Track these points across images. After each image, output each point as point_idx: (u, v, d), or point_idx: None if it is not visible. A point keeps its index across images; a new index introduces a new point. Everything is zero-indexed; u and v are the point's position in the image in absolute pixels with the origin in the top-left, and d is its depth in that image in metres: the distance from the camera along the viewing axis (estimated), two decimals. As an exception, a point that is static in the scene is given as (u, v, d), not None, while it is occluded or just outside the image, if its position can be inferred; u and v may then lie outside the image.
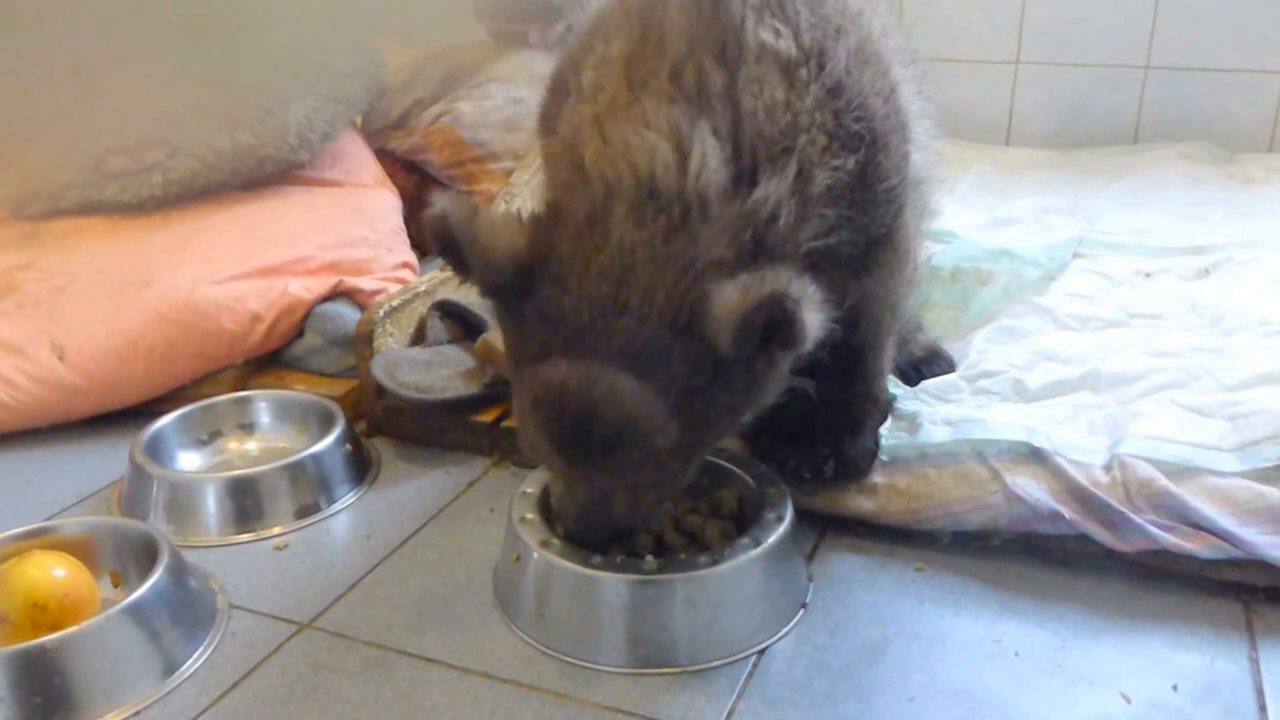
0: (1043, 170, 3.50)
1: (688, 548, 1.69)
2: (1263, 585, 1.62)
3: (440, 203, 1.42)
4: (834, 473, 1.79)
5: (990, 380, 2.02)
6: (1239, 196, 3.13)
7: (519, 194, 2.64)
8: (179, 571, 1.62)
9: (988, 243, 2.65)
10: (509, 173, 2.94)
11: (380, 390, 2.14)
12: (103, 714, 1.45)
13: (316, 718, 1.45)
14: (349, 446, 2.03)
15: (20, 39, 3.04)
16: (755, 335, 1.31)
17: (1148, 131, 3.76)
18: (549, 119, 1.64)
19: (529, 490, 1.72)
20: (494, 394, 2.14)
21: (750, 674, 1.51)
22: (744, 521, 1.73)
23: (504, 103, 3.17)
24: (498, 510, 1.92)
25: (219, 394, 2.20)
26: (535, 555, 1.59)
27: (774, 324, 1.30)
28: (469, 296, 2.40)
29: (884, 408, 1.91)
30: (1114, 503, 1.65)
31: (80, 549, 1.67)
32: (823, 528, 1.83)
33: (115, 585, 1.70)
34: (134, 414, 2.24)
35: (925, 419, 1.87)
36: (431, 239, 1.44)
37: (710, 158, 1.39)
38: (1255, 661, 1.51)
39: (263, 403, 2.19)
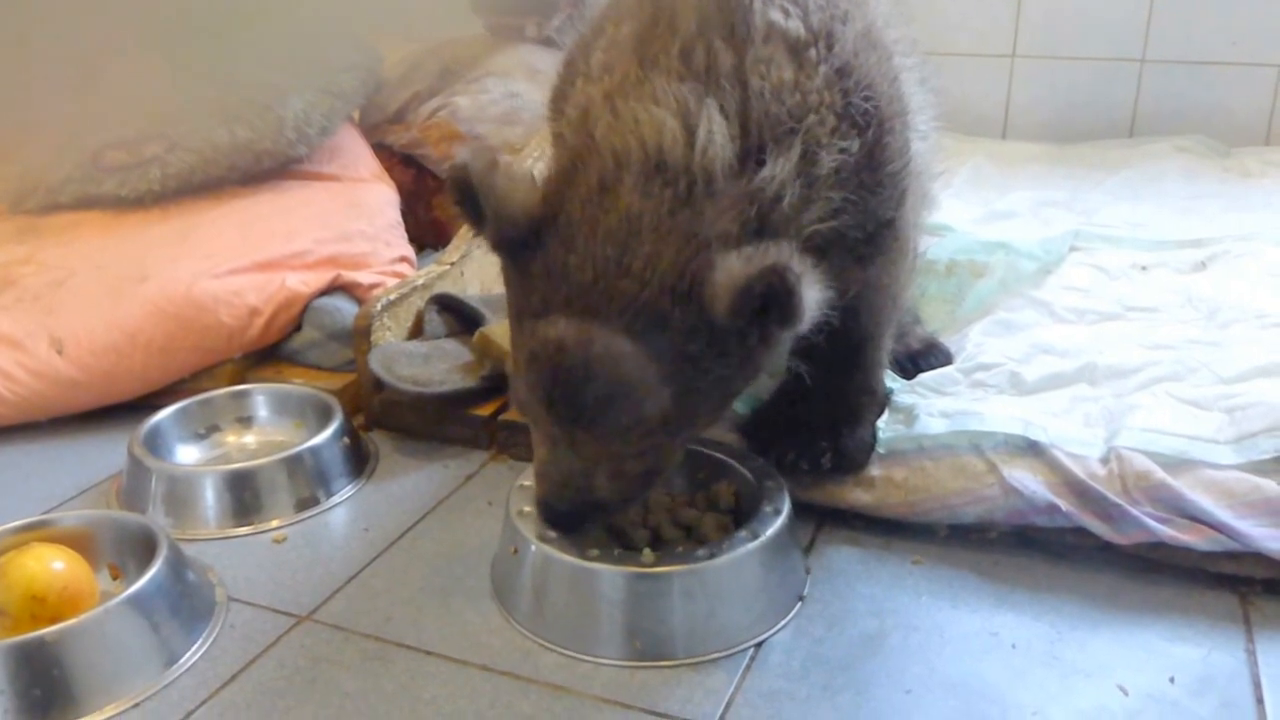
0: (1039, 164, 3.50)
1: (685, 541, 1.69)
2: (1259, 577, 1.63)
3: (462, 153, 1.42)
4: (831, 465, 1.79)
5: (987, 373, 2.03)
6: (1235, 190, 3.13)
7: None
8: (177, 564, 1.62)
9: (984, 236, 2.65)
10: (506, 166, 2.93)
11: (378, 384, 2.14)
12: (101, 706, 1.46)
13: (315, 710, 1.46)
14: (347, 440, 2.03)
15: (18, 34, 3.04)
16: (753, 305, 1.32)
17: (1144, 125, 3.76)
18: (559, 101, 1.65)
19: (527, 484, 1.72)
20: (492, 387, 2.14)
21: (748, 666, 1.51)
22: (741, 515, 1.73)
23: (501, 97, 3.17)
24: (496, 503, 1.93)
25: (217, 388, 2.20)
26: (533, 548, 1.59)
27: (772, 296, 1.31)
28: (466, 290, 2.42)
29: (881, 401, 1.91)
30: (1111, 495, 1.65)
31: (79, 542, 1.67)
32: (820, 521, 1.84)
33: (114, 578, 1.70)
34: (132, 408, 2.24)
35: (922, 411, 1.87)
36: (450, 188, 1.43)
37: (717, 134, 1.40)
38: (1252, 654, 1.51)
39: (261, 396, 2.19)
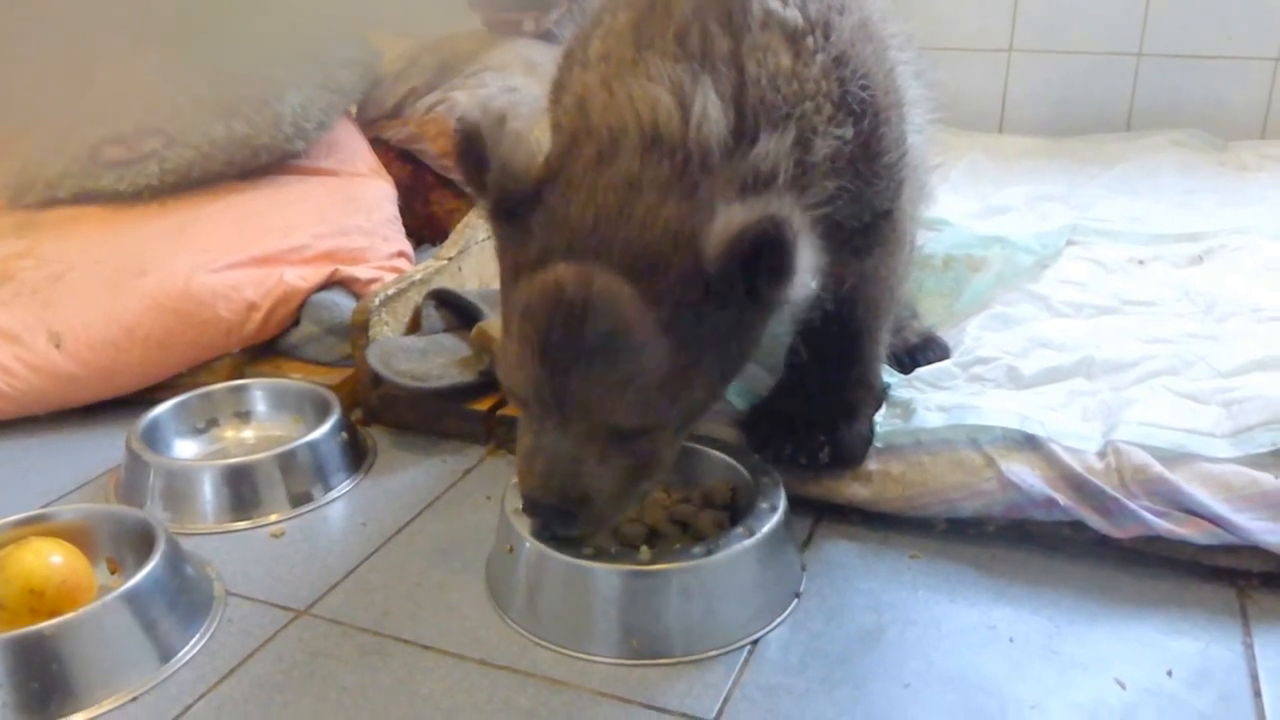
0: (1035, 158, 3.50)
1: (681, 538, 1.69)
2: (1257, 571, 1.63)
3: (471, 109, 1.43)
4: (829, 459, 1.79)
5: (984, 367, 2.03)
6: (1232, 183, 3.13)
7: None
8: (176, 559, 1.62)
9: (980, 230, 2.66)
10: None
11: (376, 378, 2.14)
12: (100, 700, 1.46)
13: (313, 704, 1.46)
14: (345, 434, 2.03)
15: (15, 28, 3.04)
16: (744, 252, 1.32)
17: (1140, 119, 3.76)
18: (557, 91, 1.66)
19: (523, 481, 1.72)
20: (490, 382, 2.14)
21: (746, 661, 1.52)
22: (737, 511, 1.73)
23: (499, 92, 3.17)
24: (494, 498, 1.92)
25: (215, 382, 2.21)
26: (528, 546, 1.59)
27: (765, 245, 1.31)
28: (464, 285, 2.42)
29: (879, 394, 1.91)
30: (1108, 489, 1.65)
31: (77, 536, 1.67)
32: (817, 516, 1.84)
33: (112, 572, 1.70)
34: (130, 402, 2.24)
35: (919, 406, 1.87)
36: (457, 140, 1.44)
37: (711, 110, 1.40)
38: (1250, 647, 1.51)
39: (259, 391, 2.19)
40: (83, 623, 1.47)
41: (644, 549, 1.57)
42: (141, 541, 1.65)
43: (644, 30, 1.49)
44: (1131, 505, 1.63)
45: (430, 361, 2.16)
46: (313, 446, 1.96)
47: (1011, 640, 1.54)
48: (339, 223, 2.57)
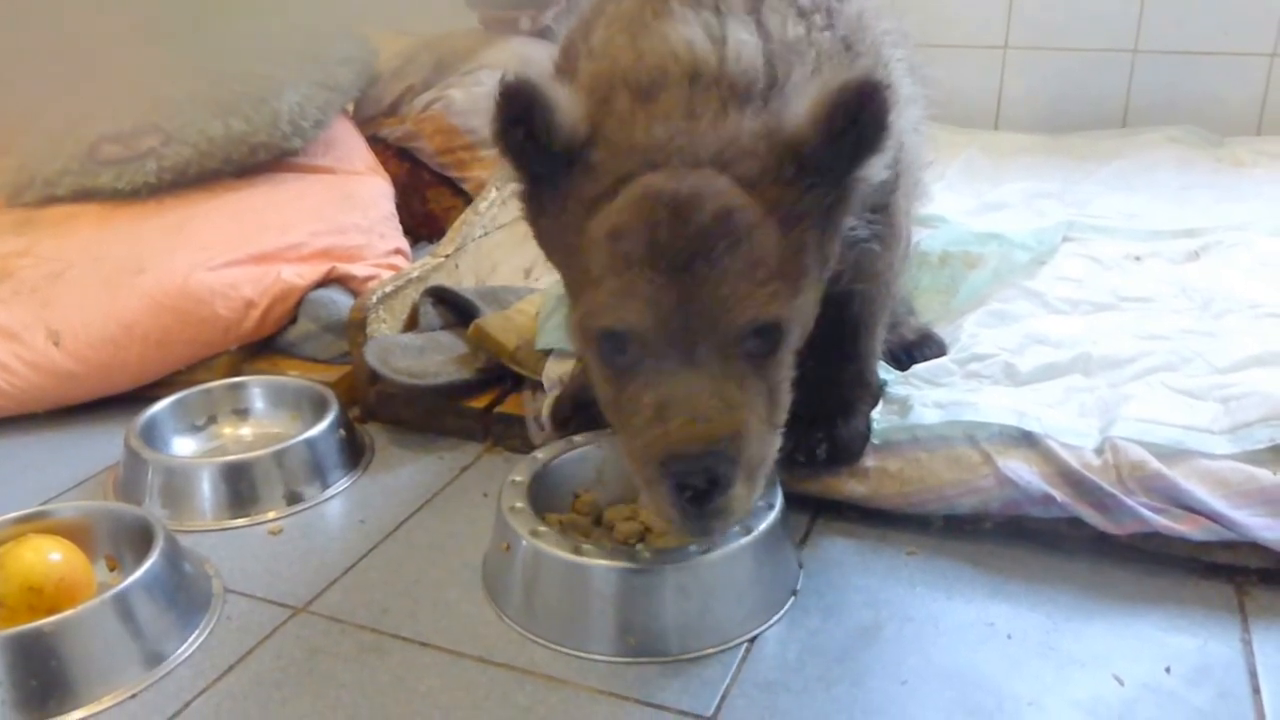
0: (1032, 155, 3.50)
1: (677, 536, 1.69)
2: (1255, 567, 1.63)
3: (512, 68, 1.35)
4: (827, 456, 1.79)
5: (981, 364, 2.03)
6: (1228, 180, 3.13)
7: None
8: (174, 556, 1.62)
9: (977, 227, 2.65)
10: (501, 159, 2.94)
11: (374, 376, 2.14)
12: (98, 697, 1.46)
13: (311, 701, 1.46)
14: (343, 432, 2.03)
15: (14, 26, 3.04)
16: (848, 115, 1.31)
17: (1136, 115, 3.77)
18: (560, 80, 1.65)
19: (518, 479, 1.72)
20: (487, 379, 2.14)
21: (743, 659, 1.52)
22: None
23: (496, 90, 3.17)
24: (491, 495, 1.93)
25: (213, 380, 2.21)
26: (524, 543, 1.59)
27: (864, 102, 1.30)
28: (461, 283, 2.42)
29: (875, 391, 1.91)
30: (1106, 485, 1.65)
31: (76, 533, 1.68)
32: (814, 513, 1.84)
33: (111, 569, 1.70)
34: (129, 400, 2.25)
35: (917, 402, 1.87)
36: (504, 99, 1.33)
37: (746, 45, 1.40)
38: (1248, 643, 1.51)
39: (257, 388, 2.19)
40: (81, 620, 1.47)
41: (640, 546, 1.57)
42: (140, 539, 1.65)
43: (655, 4, 1.48)
44: (1129, 502, 1.63)
45: (428, 359, 2.16)
46: (310, 444, 1.96)
47: (1009, 637, 1.54)
48: (336, 220, 2.58)
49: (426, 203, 3.12)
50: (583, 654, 1.53)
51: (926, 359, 2.08)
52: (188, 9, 3.01)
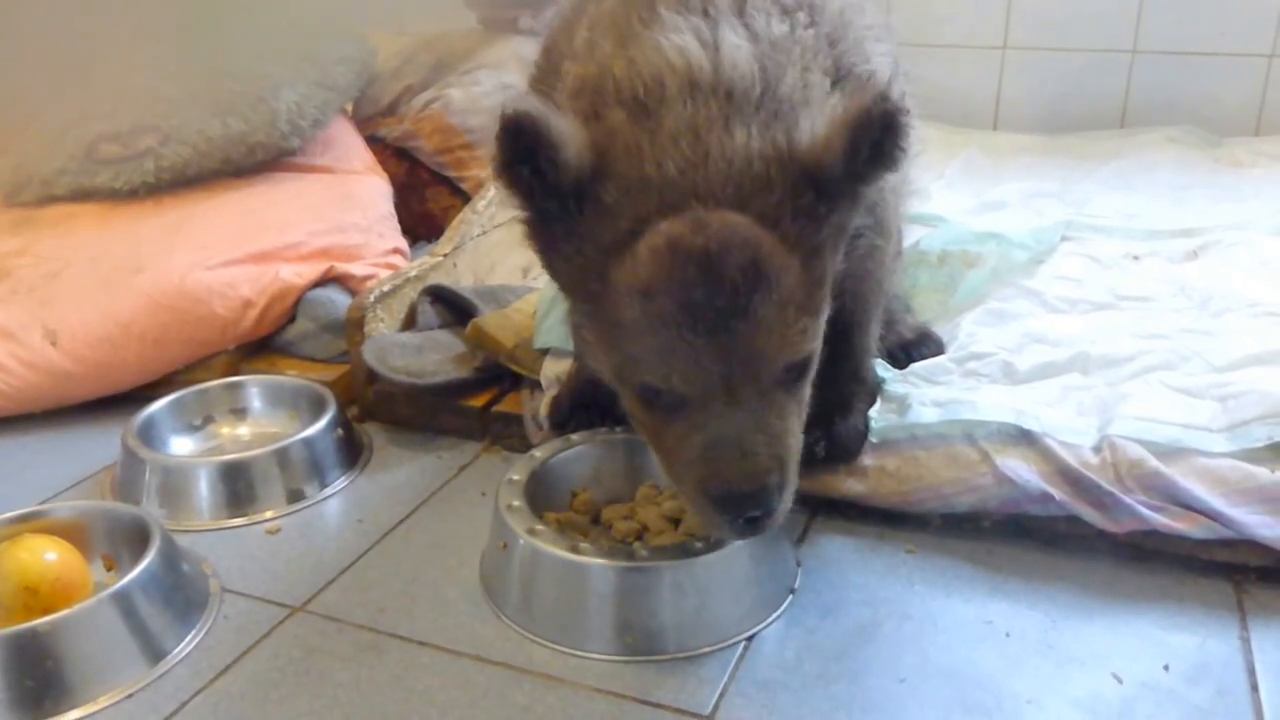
0: (1030, 155, 3.50)
1: (673, 534, 1.69)
2: (1253, 565, 1.63)
3: (508, 97, 1.34)
4: (825, 454, 1.78)
5: (979, 362, 2.02)
6: (1226, 180, 3.13)
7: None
8: (171, 555, 1.62)
9: (976, 226, 2.65)
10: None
11: (372, 375, 2.14)
12: (95, 697, 1.46)
13: (308, 701, 1.46)
14: (340, 431, 2.03)
15: (12, 26, 3.04)
16: (874, 136, 1.31)
17: (1135, 116, 3.76)
18: (539, 85, 1.64)
19: (515, 478, 1.72)
20: (485, 378, 2.14)
21: (741, 656, 1.52)
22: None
23: (494, 89, 3.17)
24: (489, 495, 1.92)
25: (211, 379, 2.21)
26: (522, 542, 1.59)
27: (882, 124, 1.30)
28: (459, 282, 2.41)
29: (872, 389, 1.91)
30: (1104, 484, 1.65)
31: (73, 533, 1.67)
32: (813, 511, 1.84)
33: (108, 569, 1.70)
34: (127, 399, 2.25)
35: (915, 401, 1.87)
36: (506, 133, 1.31)
37: (740, 50, 1.40)
38: (1246, 641, 1.51)
39: (254, 388, 2.19)
40: (78, 620, 1.47)
41: (637, 545, 1.57)
42: (137, 538, 1.65)
43: (639, 5, 1.48)
44: (1127, 500, 1.63)
45: (426, 358, 2.16)
46: (308, 443, 1.96)
47: (1008, 635, 1.54)
48: (335, 220, 2.58)
49: (425, 202, 3.11)
50: (580, 652, 1.53)
51: (925, 357, 2.08)
52: (186, 9, 3.00)
